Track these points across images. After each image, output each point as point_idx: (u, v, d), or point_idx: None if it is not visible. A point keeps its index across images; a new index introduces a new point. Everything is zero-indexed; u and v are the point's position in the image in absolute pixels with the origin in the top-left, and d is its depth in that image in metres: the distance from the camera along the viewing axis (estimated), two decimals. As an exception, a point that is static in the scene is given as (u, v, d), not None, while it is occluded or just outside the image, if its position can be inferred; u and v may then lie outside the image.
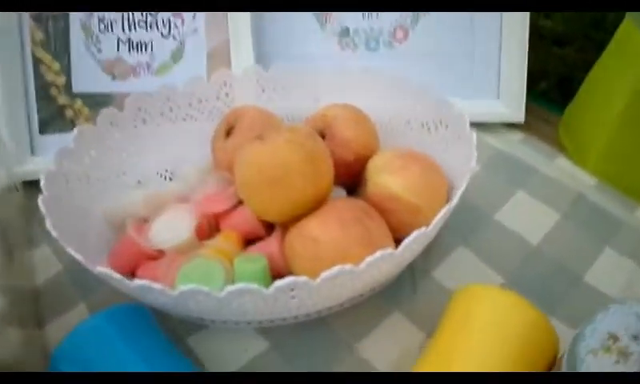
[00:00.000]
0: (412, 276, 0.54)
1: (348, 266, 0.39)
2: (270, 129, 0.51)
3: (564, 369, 0.37)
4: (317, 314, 0.50)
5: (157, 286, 0.39)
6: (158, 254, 0.51)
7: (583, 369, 0.35)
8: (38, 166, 0.64)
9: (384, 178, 0.51)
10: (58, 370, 0.40)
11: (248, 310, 0.42)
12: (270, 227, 0.54)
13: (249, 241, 0.54)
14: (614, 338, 0.36)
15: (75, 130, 0.53)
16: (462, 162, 0.50)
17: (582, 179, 0.64)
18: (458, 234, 0.57)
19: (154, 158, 0.61)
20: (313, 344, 0.49)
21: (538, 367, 0.40)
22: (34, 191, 0.49)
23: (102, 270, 0.40)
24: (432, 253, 0.55)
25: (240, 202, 0.54)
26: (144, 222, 0.53)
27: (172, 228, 0.51)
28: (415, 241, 0.42)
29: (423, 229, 0.42)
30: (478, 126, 0.69)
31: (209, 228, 0.54)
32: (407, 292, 0.53)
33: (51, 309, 0.53)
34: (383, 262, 0.41)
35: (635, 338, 0.36)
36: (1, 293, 0.52)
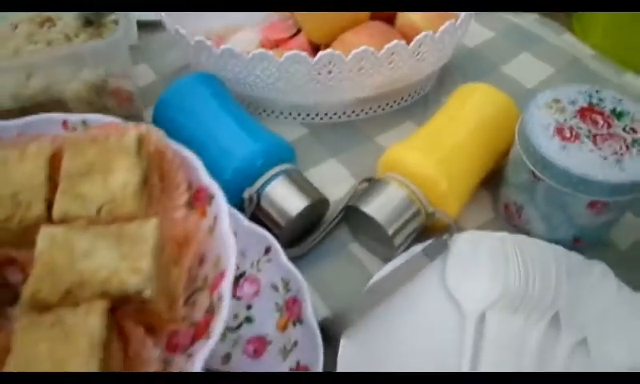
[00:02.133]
0: (425, 101, 0.69)
1: (371, 49, 0.54)
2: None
3: (517, 125, 0.51)
4: (347, 117, 0.66)
5: (236, 49, 0.55)
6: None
7: (527, 118, 0.49)
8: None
9: (408, 14, 0.65)
10: (161, 113, 0.57)
11: (299, 81, 0.58)
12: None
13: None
14: (557, 101, 0.50)
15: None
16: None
17: (582, 49, 0.76)
18: (468, 75, 0.71)
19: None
20: (341, 134, 0.65)
21: (506, 136, 0.54)
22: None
23: (198, 37, 0.56)
24: (443, 86, 0.70)
25: (296, 33, 0.70)
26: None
27: (242, 41, 0.67)
28: (423, 40, 0.56)
29: (431, 32, 0.56)
30: (501, 6, 0.82)
31: (271, 49, 0.70)
32: (419, 109, 0.68)
33: (148, 102, 0.71)
34: (397, 53, 0.56)
35: (572, 102, 0.49)
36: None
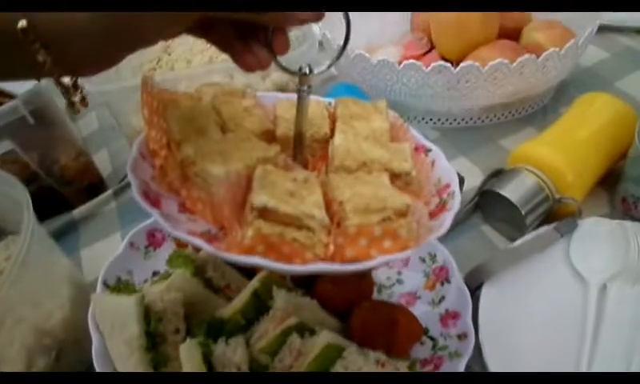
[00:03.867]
0: (544, 111, 0.78)
1: (505, 61, 0.65)
2: None
3: (638, 125, 0.59)
4: (473, 123, 0.76)
5: (390, 60, 0.67)
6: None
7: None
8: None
9: (533, 34, 0.75)
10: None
11: (439, 88, 0.69)
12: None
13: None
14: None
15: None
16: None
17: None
18: (583, 90, 0.77)
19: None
20: (469, 137, 0.75)
21: (624, 139, 0.62)
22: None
23: (358, 51, 0.69)
24: (561, 98, 0.78)
25: (429, 51, 0.81)
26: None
27: (388, 55, 0.79)
28: (550, 56, 0.66)
29: (557, 49, 0.66)
30: (616, 30, 0.90)
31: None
32: (539, 118, 0.77)
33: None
34: (527, 66, 0.66)
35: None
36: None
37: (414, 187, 0.44)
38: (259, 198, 0.37)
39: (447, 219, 0.41)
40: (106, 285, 0.54)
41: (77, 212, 0.72)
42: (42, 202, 0.60)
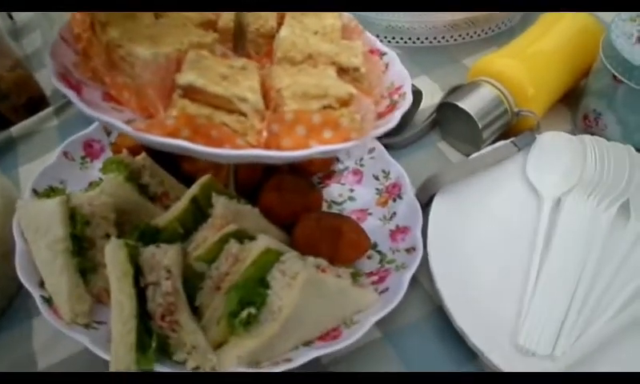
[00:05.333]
0: (511, 32, 0.75)
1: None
2: None
3: (602, 37, 0.56)
4: (437, 42, 0.73)
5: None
6: None
7: (612, 28, 0.54)
8: None
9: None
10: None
11: None
12: None
13: None
14: (640, 17, 0.55)
15: None
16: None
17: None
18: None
19: None
20: (432, 56, 0.72)
21: (589, 55, 0.60)
22: None
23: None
24: (529, 19, 0.75)
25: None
26: None
27: None
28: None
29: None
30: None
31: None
32: (505, 40, 0.73)
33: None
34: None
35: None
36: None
37: (363, 86, 0.42)
38: (185, 76, 0.34)
39: (395, 116, 0.40)
40: (35, 193, 0.50)
41: (15, 129, 0.67)
42: (-23, 118, 0.57)
